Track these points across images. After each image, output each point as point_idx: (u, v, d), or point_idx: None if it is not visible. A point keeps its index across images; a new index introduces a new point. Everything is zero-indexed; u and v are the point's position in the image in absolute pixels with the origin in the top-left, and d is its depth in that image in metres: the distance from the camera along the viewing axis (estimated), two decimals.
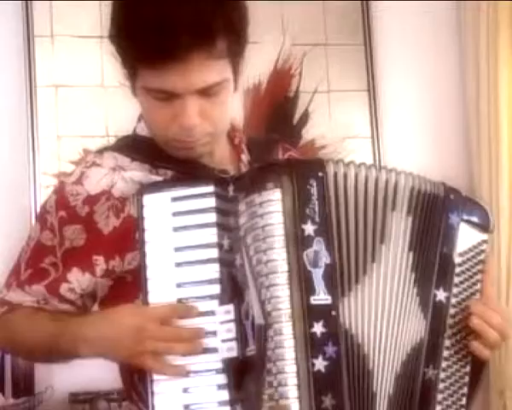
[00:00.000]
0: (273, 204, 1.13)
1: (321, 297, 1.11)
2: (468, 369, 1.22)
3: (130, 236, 1.23)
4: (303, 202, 1.13)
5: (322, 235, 1.13)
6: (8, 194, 2.69)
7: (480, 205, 1.31)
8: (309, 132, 2.96)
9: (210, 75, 1.21)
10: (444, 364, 1.20)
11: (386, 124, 2.99)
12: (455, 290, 1.23)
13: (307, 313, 1.10)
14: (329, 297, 1.11)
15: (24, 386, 2.52)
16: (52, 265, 1.29)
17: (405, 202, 1.21)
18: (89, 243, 1.27)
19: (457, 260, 1.24)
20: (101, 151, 1.33)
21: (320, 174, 1.15)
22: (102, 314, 1.25)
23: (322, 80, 2.99)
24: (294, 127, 2.96)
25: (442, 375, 1.20)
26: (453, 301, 1.23)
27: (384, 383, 1.14)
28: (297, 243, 1.12)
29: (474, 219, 1.28)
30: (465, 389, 1.22)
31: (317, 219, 1.13)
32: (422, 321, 1.19)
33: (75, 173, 1.30)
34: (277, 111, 2.96)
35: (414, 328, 1.19)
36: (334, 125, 2.97)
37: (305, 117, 2.98)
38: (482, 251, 1.27)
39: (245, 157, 1.37)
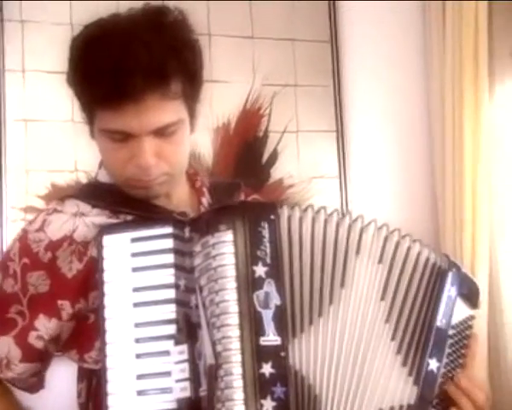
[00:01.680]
0: (225, 245, 1.18)
1: (270, 338, 1.15)
2: None
3: (93, 277, 1.27)
4: (254, 244, 1.18)
5: (272, 277, 1.17)
6: None
7: (474, 282, 1.36)
8: (277, 171, 3.02)
9: (165, 115, 1.26)
10: None
11: (353, 164, 3.07)
12: (445, 361, 1.27)
13: (256, 353, 1.14)
14: (279, 338, 1.15)
15: None
16: (18, 313, 1.30)
17: (375, 250, 1.25)
18: (53, 288, 1.30)
19: (450, 331, 1.29)
20: (62, 199, 1.38)
21: (272, 217, 1.20)
22: None
23: (292, 120, 3.06)
24: (263, 166, 3.02)
25: None
26: (443, 370, 1.27)
27: None
28: (247, 284, 1.16)
29: (469, 294, 1.33)
30: None
31: (268, 261, 1.18)
32: (412, 386, 1.23)
33: (37, 221, 1.34)
34: (246, 150, 3.02)
35: (398, 388, 1.23)
36: (303, 165, 3.04)
37: (274, 156, 3.05)
38: (470, 326, 1.33)
39: (206, 200, 1.43)
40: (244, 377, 1.13)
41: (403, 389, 1.23)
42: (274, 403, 1.13)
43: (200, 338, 1.17)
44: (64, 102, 2.82)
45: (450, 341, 1.29)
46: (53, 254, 1.30)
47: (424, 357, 1.24)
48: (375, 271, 1.25)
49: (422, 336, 1.26)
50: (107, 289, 1.24)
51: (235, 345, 1.14)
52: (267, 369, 1.14)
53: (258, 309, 1.16)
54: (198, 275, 1.20)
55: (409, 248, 1.28)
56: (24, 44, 2.82)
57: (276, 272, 1.18)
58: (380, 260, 1.26)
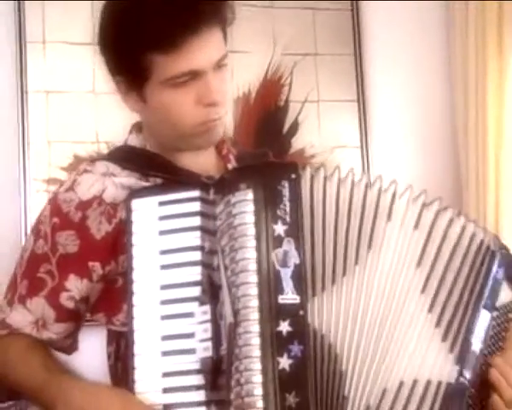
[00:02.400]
0: (245, 204, 1.19)
1: (288, 297, 1.17)
2: None
3: (122, 240, 1.29)
4: (274, 203, 1.19)
5: (292, 235, 1.19)
6: None
7: None
8: (298, 141, 3.04)
9: (221, 45, 1.30)
10: None
11: (375, 134, 3.08)
12: (489, 342, 1.26)
13: (274, 311, 1.16)
14: (297, 297, 1.17)
15: (11, 389, 2.55)
16: (47, 273, 1.33)
17: (410, 217, 1.24)
18: (82, 249, 1.32)
19: (494, 313, 1.28)
20: (92, 161, 1.41)
21: (293, 176, 1.21)
22: (92, 389, 1.26)
23: (312, 90, 3.07)
24: (284, 137, 3.04)
25: None
26: (485, 352, 1.25)
27: (360, 388, 1.18)
28: (267, 242, 1.18)
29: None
30: None
31: (287, 220, 1.19)
32: (453, 365, 1.21)
33: (67, 182, 1.37)
34: (267, 120, 3.04)
35: (437, 363, 1.21)
36: (324, 135, 3.06)
37: (295, 126, 3.07)
38: (511, 310, 1.32)
39: (232, 167, 1.45)
40: (261, 334, 1.15)
41: (442, 365, 1.22)
42: (290, 361, 1.14)
43: (222, 299, 1.20)
44: (85, 74, 2.87)
45: (493, 323, 1.27)
46: (83, 214, 1.33)
47: (468, 336, 1.23)
48: (410, 236, 1.24)
49: (467, 315, 1.24)
50: (135, 251, 1.27)
51: (253, 303, 1.16)
52: (284, 327, 1.15)
53: (277, 267, 1.17)
54: (220, 235, 1.23)
55: (451, 220, 1.27)
56: (45, 16, 2.85)
57: (295, 230, 1.19)
58: (415, 226, 1.25)
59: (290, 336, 1.15)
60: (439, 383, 1.20)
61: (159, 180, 1.37)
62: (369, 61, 3.10)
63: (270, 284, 1.17)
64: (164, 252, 1.26)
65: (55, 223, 1.34)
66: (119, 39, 1.30)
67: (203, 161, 1.41)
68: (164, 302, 1.25)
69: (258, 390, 1.14)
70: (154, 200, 1.28)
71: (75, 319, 1.37)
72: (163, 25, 1.24)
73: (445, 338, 1.22)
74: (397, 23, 3.10)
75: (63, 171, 2.80)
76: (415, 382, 1.20)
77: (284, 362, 1.14)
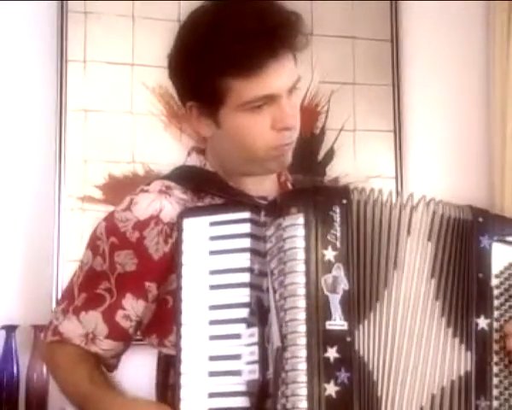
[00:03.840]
0: (295, 228, 1.21)
1: (337, 323, 1.18)
2: None
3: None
4: (325, 228, 1.21)
5: (341, 261, 1.20)
6: (33, 214, 2.78)
7: (510, 220, 1.33)
8: (333, 170, 3.06)
9: (295, 70, 1.33)
10: (495, 392, 1.23)
11: (410, 165, 3.09)
12: (496, 314, 1.26)
13: (322, 337, 1.17)
14: (345, 323, 1.18)
15: (36, 407, 2.58)
16: (107, 290, 1.36)
17: (424, 228, 1.26)
18: (140, 268, 1.35)
19: (495, 282, 1.26)
20: (149, 183, 1.43)
21: (344, 201, 1.23)
22: (131, 404, 1.31)
23: (349, 119, 3.09)
24: (319, 164, 3.06)
25: (495, 403, 1.23)
26: (496, 325, 1.25)
27: None
28: (316, 267, 1.19)
29: (507, 235, 1.29)
30: None
31: (338, 245, 1.21)
32: (466, 353, 1.23)
33: (124, 201, 1.39)
34: (303, 147, 3.03)
35: (453, 359, 1.23)
36: (359, 164, 3.08)
37: (330, 154, 3.09)
38: None
39: None
40: (308, 360, 1.16)
41: (458, 358, 1.23)
42: (337, 388, 1.16)
43: (269, 322, 1.22)
44: (123, 94, 2.92)
45: (496, 292, 1.26)
46: (140, 234, 1.35)
47: (470, 318, 1.24)
48: (424, 249, 1.26)
49: (464, 298, 1.25)
50: (184, 271, 1.29)
51: (301, 328, 1.17)
52: (332, 353, 1.17)
53: (326, 293, 1.19)
54: (269, 258, 1.25)
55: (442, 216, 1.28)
56: (86, 34, 2.90)
57: (345, 256, 1.21)
58: (429, 238, 1.26)
59: (337, 363, 1.16)
60: (460, 378, 1.22)
61: (212, 200, 1.39)
62: (407, 92, 3.12)
63: (318, 310, 1.18)
64: (213, 272, 1.29)
65: (113, 242, 1.36)
66: (195, 63, 1.32)
67: (263, 187, 1.43)
68: (212, 323, 1.27)
69: None
70: (205, 220, 1.31)
71: (126, 339, 1.39)
72: (242, 49, 1.27)
73: (455, 333, 1.24)
74: (435, 54, 3.12)
75: (98, 189, 2.84)
76: (442, 390, 1.22)
77: (331, 389, 1.16)
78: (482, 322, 1.24)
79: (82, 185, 2.84)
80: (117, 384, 1.38)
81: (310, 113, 3.07)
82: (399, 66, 3.12)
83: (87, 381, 1.34)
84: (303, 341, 1.17)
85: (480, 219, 1.29)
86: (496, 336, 1.25)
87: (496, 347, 1.25)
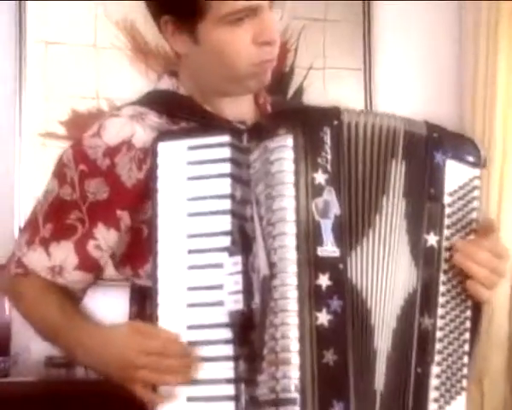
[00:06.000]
0: (284, 150, 1.13)
1: (328, 249, 1.12)
2: (468, 314, 1.20)
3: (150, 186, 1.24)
4: (315, 150, 1.14)
5: (333, 185, 1.13)
6: None
7: (468, 139, 1.27)
8: None
9: None
10: (441, 311, 1.18)
11: (380, 103, 3.03)
12: (447, 233, 1.20)
13: (313, 264, 1.11)
14: (337, 250, 1.12)
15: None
16: (78, 220, 1.28)
17: (401, 147, 1.19)
18: (112, 196, 1.27)
19: (447, 200, 1.21)
20: (118, 107, 1.35)
21: (335, 122, 1.16)
22: (101, 330, 1.25)
23: (318, 57, 3.01)
24: (288, 102, 2.97)
25: (440, 323, 1.18)
26: (446, 244, 1.19)
27: (383, 339, 1.15)
28: (306, 191, 1.12)
29: (463, 154, 1.23)
30: (466, 335, 1.20)
31: (328, 169, 1.14)
32: (414, 269, 1.18)
33: (93, 127, 1.31)
34: (271, 85, 2.95)
35: (406, 278, 1.17)
36: (328, 102, 2.99)
37: (300, 93, 3.01)
38: (475, 187, 1.23)
39: None
40: (299, 287, 1.10)
41: (410, 277, 1.18)
42: (329, 316, 1.10)
43: (255, 250, 1.15)
44: (86, 26, 2.79)
45: (449, 210, 1.21)
46: (111, 161, 1.27)
47: (420, 235, 1.18)
48: (400, 169, 1.19)
49: (415, 214, 1.19)
50: (160, 197, 1.21)
51: (291, 254, 1.11)
52: (324, 281, 1.11)
53: (317, 218, 1.12)
54: (254, 183, 1.17)
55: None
56: None
57: (336, 180, 1.14)
58: (403, 157, 1.19)
59: (330, 291, 1.11)
60: (410, 295, 1.17)
61: (187, 125, 1.30)
62: (377, 30, 3.05)
63: (309, 235, 1.11)
64: (192, 199, 1.20)
65: (83, 170, 1.28)
66: None
67: (240, 109, 1.34)
68: (191, 252, 1.19)
69: (295, 346, 1.09)
70: (182, 144, 1.22)
71: (96, 270, 1.32)
72: None
73: (412, 251, 1.18)
74: None
75: (61, 125, 2.74)
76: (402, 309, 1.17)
77: (323, 318, 1.10)
78: (431, 239, 1.19)
79: (44, 121, 2.73)
80: (90, 314, 1.30)
81: (279, 50, 2.98)
82: (370, 3, 3.04)
83: (58, 313, 1.27)
84: (293, 268, 1.10)
85: (435, 135, 1.22)
86: (446, 255, 1.19)
87: (445, 266, 1.19)
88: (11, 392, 2.42)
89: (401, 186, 1.19)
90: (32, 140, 2.71)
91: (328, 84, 3.03)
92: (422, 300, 1.17)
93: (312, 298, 1.10)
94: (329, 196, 1.13)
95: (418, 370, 1.15)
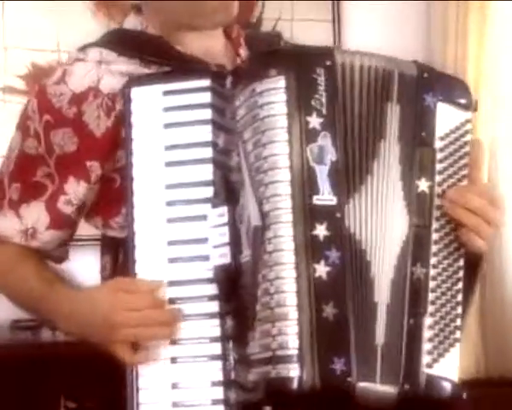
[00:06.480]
0: (276, 93, 1.06)
1: (325, 197, 1.05)
2: (461, 263, 1.14)
3: (121, 134, 1.16)
4: (309, 93, 1.06)
5: (328, 129, 1.06)
6: None
7: (458, 80, 1.20)
8: None
9: None
10: (433, 260, 1.12)
11: None
12: (439, 178, 1.13)
13: (309, 213, 1.03)
14: (334, 198, 1.05)
15: None
16: (47, 176, 1.20)
17: (396, 90, 1.13)
18: (81, 147, 1.19)
19: (438, 144, 1.14)
20: (83, 47, 1.25)
21: (328, 63, 1.08)
22: (81, 293, 1.18)
23: (286, 8, 2.92)
24: (264, 35, 2.88)
25: (433, 272, 1.11)
26: (438, 190, 1.13)
27: (382, 291, 1.08)
28: (301, 136, 1.05)
29: (454, 97, 1.17)
30: (460, 285, 1.13)
31: (323, 112, 1.06)
32: (406, 217, 1.11)
33: (56, 73, 1.22)
34: None
35: (400, 226, 1.11)
36: None
37: None
38: (467, 132, 1.17)
39: (243, 52, 1.30)
40: (295, 238, 1.03)
41: (403, 225, 1.10)
42: (328, 268, 1.03)
43: (242, 200, 1.07)
44: None
45: (440, 155, 1.14)
46: (78, 109, 1.19)
47: (412, 180, 1.12)
48: (395, 112, 1.12)
49: (407, 159, 1.12)
50: (135, 146, 1.13)
51: (285, 203, 1.03)
52: (321, 231, 1.03)
53: (312, 164, 1.05)
54: (241, 129, 1.09)
55: None
56: None
57: (332, 124, 1.06)
58: (398, 100, 1.13)
59: (327, 241, 1.03)
60: (404, 243, 1.10)
61: (160, 68, 1.21)
62: None
63: (304, 183, 1.04)
64: (169, 147, 1.12)
65: (48, 121, 1.20)
66: None
67: (211, 45, 1.25)
68: (170, 203, 1.11)
69: (292, 300, 1.01)
70: (157, 88, 1.14)
71: (68, 226, 1.24)
72: None
73: (404, 197, 1.11)
74: None
75: (20, 79, 2.62)
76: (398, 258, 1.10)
77: (321, 270, 1.02)
78: (423, 184, 1.12)
79: (2, 75, 2.62)
80: (69, 277, 1.23)
81: (246, 1, 2.90)
82: None
83: (35, 280, 1.20)
84: (288, 217, 1.03)
85: (425, 75, 1.15)
86: (438, 201, 1.13)
87: (437, 213, 1.13)
88: None
89: (396, 130, 1.11)
90: None
91: (296, 35, 2.93)
92: (415, 248, 1.10)
93: (309, 249, 1.02)
94: (324, 141, 1.06)
95: (411, 321, 1.08)
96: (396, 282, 1.09)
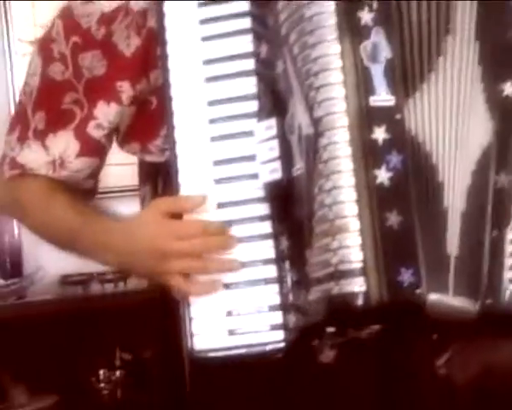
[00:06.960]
0: None
1: (382, 98, 0.96)
2: None
3: (154, 52, 1.09)
4: None
5: (381, 24, 0.97)
6: None
7: None
8: None
9: None
10: None
11: None
12: None
13: (366, 116, 0.95)
14: (393, 98, 0.96)
15: (11, 267, 2.41)
16: (75, 102, 1.14)
17: None
18: (111, 69, 1.13)
19: None
20: None
21: None
22: (125, 222, 1.12)
23: None
24: None
25: None
26: None
27: (456, 199, 0.99)
28: (352, 33, 0.96)
29: None
30: None
31: (374, 6, 0.97)
32: (489, 122, 1.01)
33: None
34: None
35: (480, 131, 1.01)
36: None
37: None
38: None
39: None
40: (352, 143, 0.94)
41: (484, 130, 1.01)
42: (390, 174, 0.94)
43: (292, 109, 0.99)
44: None
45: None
46: (107, 30, 1.12)
47: (496, 84, 1.01)
48: (470, 9, 1.02)
49: (489, 60, 1.02)
50: (171, 64, 1.05)
51: (339, 107, 0.95)
52: (380, 134, 0.95)
53: (366, 64, 0.96)
54: (285, 32, 1.00)
55: None
56: None
57: (385, 18, 0.97)
58: None
59: (388, 145, 0.94)
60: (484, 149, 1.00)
61: None
62: None
63: (358, 84, 0.95)
64: (208, 62, 1.04)
65: (76, 43, 1.13)
66: None
67: None
68: (213, 121, 1.04)
69: (352, 210, 0.93)
70: (191, 1, 1.05)
71: (99, 151, 1.17)
72: None
73: (486, 100, 1.01)
74: None
75: None
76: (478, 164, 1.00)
77: (382, 175, 0.94)
78: (508, 88, 1.02)
79: (32, 28, 2.57)
80: (106, 209, 1.17)
81: None
82: None
83: (70, 213, 1.13)
84: (343, 121, 0.94)
85: None
86: None
87: None
88: (28, 313, 2.36)
89: (471, 28, 1.01)
90: (21, 48, 2.57)
91: None
92: (498, 155, 1.01)
93: (368, 154, 0.94)
94: (378, 37, 0.96)
95: (493, 233, 0.99)
96: (474, 189, 0.99)
